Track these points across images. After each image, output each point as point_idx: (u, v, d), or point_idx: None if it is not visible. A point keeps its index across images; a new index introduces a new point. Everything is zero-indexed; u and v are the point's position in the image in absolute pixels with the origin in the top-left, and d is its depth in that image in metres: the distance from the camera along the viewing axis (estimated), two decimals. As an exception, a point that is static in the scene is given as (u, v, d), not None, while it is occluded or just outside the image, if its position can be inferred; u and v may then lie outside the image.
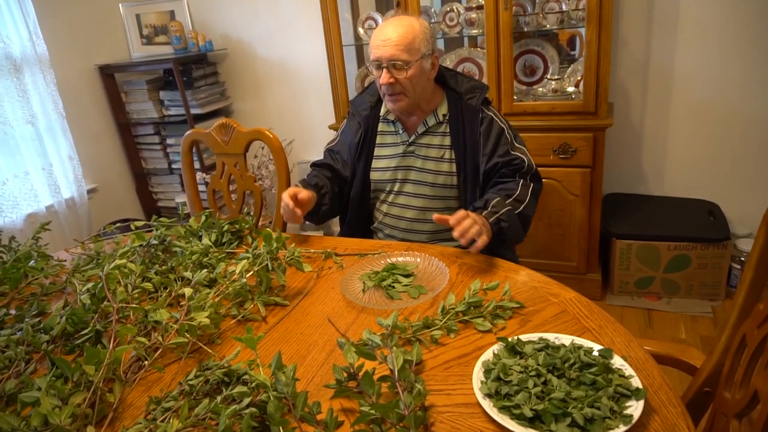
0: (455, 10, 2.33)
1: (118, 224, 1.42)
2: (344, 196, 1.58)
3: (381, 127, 1.53)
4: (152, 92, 2.97)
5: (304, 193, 1.35)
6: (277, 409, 0.70)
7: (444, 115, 1.45)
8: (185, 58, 2.87)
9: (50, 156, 2.58)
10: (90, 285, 1.04)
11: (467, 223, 1.14)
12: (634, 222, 2.32)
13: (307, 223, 1.40)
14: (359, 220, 1.59)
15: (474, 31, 2.32)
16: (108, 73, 2.93)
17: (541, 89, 2.32)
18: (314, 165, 1.63)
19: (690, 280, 2.26)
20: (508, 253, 1.49)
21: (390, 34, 1.34)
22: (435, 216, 1.19)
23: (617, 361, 0.81)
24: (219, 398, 0.73)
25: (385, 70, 1.35)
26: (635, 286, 2.35)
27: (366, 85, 2.34)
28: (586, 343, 0.85)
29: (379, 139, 1.52)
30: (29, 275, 1.27)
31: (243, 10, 2.98)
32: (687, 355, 0.99)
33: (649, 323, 2.22)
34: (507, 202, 1.31)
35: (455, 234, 1.14)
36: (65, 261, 1.35)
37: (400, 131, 1.49)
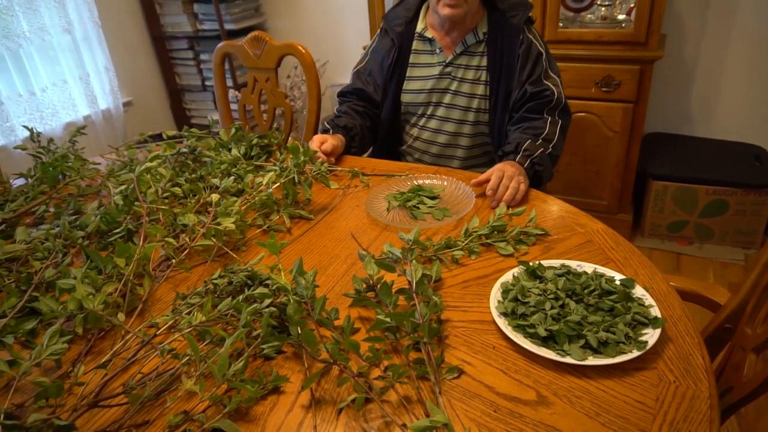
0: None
1: (150, 133, 1.43)
2: (376, 128, 1.55)
3: (416, 45, 1.46)
4: (186, 5, 2.91)
5: (328, 144, 1.34)
6: (296, 311, 0.72)
7: (484, 33, 1.39)
8: (220, -32, 2.79)
9: (87, 66, 2.60)
10: (123, 187, 1.07)
11: (501, 190, 1.12)
12: (672, 163, 2.23)
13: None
14: (389, 142, 1.57)
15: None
16: (142, -17, 2.88)
17: (589, 16, 2.18)
18: (342, 95, 1.57)
19: (725, 226, 2.20)
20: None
21: None
22: (473, 181, 1.16)
23: (638, 291, 0.80)
24: (241, 297, 0.76)
25: None
26: (667, 230, 2.30)
27: None
28: (609, 272, 0.84)
29: (412, 59, 1.46)
30: (66, 176, 1.31)
31: None
32: (712, 293, 0.97)
33: (677, 267, 2.19)
34: (537, 143, 1.28)
35: (492, 205, 1.12)
36: (99, 164, 1.39)
37: (438, 50, 1.43)
